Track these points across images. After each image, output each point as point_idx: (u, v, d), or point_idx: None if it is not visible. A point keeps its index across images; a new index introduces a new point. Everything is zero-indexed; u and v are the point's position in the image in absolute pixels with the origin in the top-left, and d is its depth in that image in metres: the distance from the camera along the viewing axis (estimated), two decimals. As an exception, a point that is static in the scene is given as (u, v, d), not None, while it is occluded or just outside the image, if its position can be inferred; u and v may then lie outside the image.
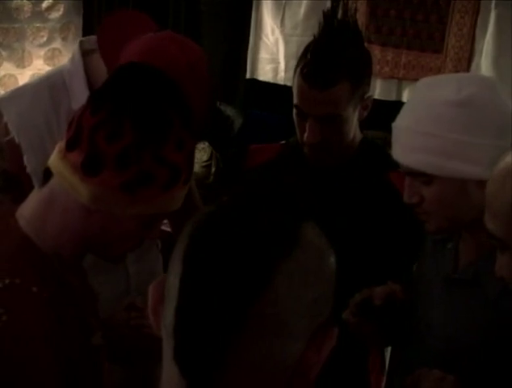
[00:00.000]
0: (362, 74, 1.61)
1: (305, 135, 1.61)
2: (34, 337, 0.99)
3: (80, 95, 1.47)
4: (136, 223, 1.10)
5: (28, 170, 1.49)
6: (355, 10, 1.61)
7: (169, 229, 1.81)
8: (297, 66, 1.61)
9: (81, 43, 1.60)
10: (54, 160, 1.08)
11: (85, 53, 1.57)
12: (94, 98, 1.08)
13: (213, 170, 4.09)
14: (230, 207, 0.78)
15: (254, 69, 4.58)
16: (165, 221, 1.80)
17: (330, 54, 1.54)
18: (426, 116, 1.31)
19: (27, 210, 1.11)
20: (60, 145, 1.09)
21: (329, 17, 1.57)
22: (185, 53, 1.37)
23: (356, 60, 1.59)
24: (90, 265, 1.24)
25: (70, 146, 1.06)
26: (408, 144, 1.34)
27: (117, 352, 1.33)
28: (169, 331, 0.76)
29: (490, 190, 1.10)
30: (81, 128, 1.05)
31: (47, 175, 1.09)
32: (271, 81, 4.52)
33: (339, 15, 1.57)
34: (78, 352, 1.06)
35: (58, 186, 1.08)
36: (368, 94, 1.66)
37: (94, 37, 1.60)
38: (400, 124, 1.37)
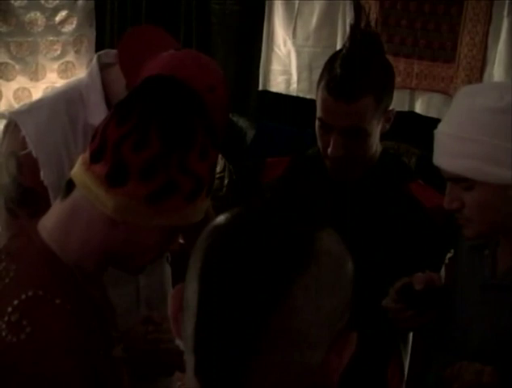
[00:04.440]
0: (385, 87, 1.61)
1: (329, 149, 1.61)
2: (57, 348, 0.99)
3: (97, 109, 1.47)
4: (158, 235, 1.10)
5: (45, 183, 1.49)
6: (376, 21, 1.61)
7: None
8: (321, 79, 1.61)
9: (99, 56, 1.60)
10: (78, 172, 1.08)
11: (102, 67, 1.57)
12: (119, 109, 1.09)
13: (226, 182, 4.09)
14: (244, 220, 0.78)
15: (267, 80, 4.58)
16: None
17: (357, 67, 1.54)
18: (468, 122, 1.32)
19: (49, 222, 1.11)
20: (84, 156, 1.09)
21: (354, 29, 1.57)
22: (205, 74, 1.37)
23: (381, 73, 1.59)
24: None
25: (95, 158, 1.06)
26: (449, 149, 1.35)
27: (135, 366, 1.33)
28: (189, 346, 0.76)
29: None
30: (106, 140, 1.05)
31: (69, 186, 1.10)
32: (284, 92, 4.52)
33: (362, 27, 1.57)
34: (101, 364, 1.06)
35: (81, 198, 1.08)
36: (391, 107, 1.66)
37: (111, 51, 1.60)
38: (442, 130, 1.39)
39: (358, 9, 1.57)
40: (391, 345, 1.84)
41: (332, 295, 0.75)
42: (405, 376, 1.91)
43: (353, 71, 1.54)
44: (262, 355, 0.72)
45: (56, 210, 1.11)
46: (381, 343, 1.75)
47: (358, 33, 1.57)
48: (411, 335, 1.89)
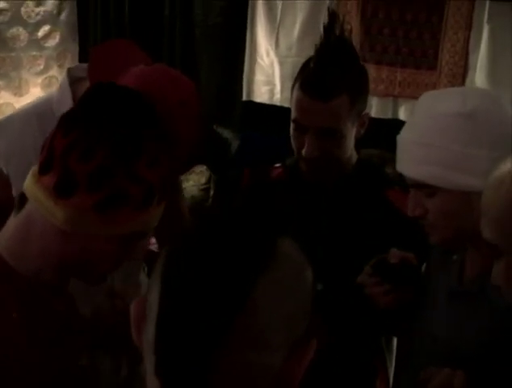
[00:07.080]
0: (360, 90, 1.63)
1: (304, 150, 1.62)
2: (14, 363, 0.98)
3: None
4: (113, 244, 1.09)
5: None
6: (350, 29, 1.63)
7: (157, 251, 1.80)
8: (295, 82, 1.62)
9: (69, 70, 1.58)
10: (28, 184, 1.08)
11: (74, 81, 1.56)
12: (65, 119, 1.08)
13: (212, 192, 4.10)
14: (206, 224, 0.79)
15: (250, 91, 4.60)
16: (155, 242, 1.79)
17: (332, 66, 1.56)
18: (430, 128, 1.32)
19: (4, 236, 1.10)
20: (34, 169, 1.08)
21: (327, 32, 1.59)
22: (176, 88, 1.36)
23: (355, 75, 1.61)
24: (73, 287, 1.23)
25: (43, 170, 1.06)
26: (411, 156, 1.35)
27: (112, 344, 1.32)
28: (150, 346, 0.77)
29: (485, 197, 1.10)
30: (53, 151, 1.04)
31: (22, 200, 1.09)
32: (267, 102, 4.53)
33: (336, 33, 1.59)
34: (63, 375, 1.06)
35: (34, 210, 1.07)
36: (365, 112, 1.67)
37: (82, 65, 1.59)
38: (404, 136, 1.39)
39: (333, 15, 1.59)
40: (375, 352, 1.84)
41: (291, 298, 0.76)
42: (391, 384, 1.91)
43: (327, 69, 1.56)
44: (221, 355, 0.73)
45: (12, 224, 1.11)
46: (365, 349, 1.76)
47: (332, 37, 1.59)
48: (395, 342, 1.89)
